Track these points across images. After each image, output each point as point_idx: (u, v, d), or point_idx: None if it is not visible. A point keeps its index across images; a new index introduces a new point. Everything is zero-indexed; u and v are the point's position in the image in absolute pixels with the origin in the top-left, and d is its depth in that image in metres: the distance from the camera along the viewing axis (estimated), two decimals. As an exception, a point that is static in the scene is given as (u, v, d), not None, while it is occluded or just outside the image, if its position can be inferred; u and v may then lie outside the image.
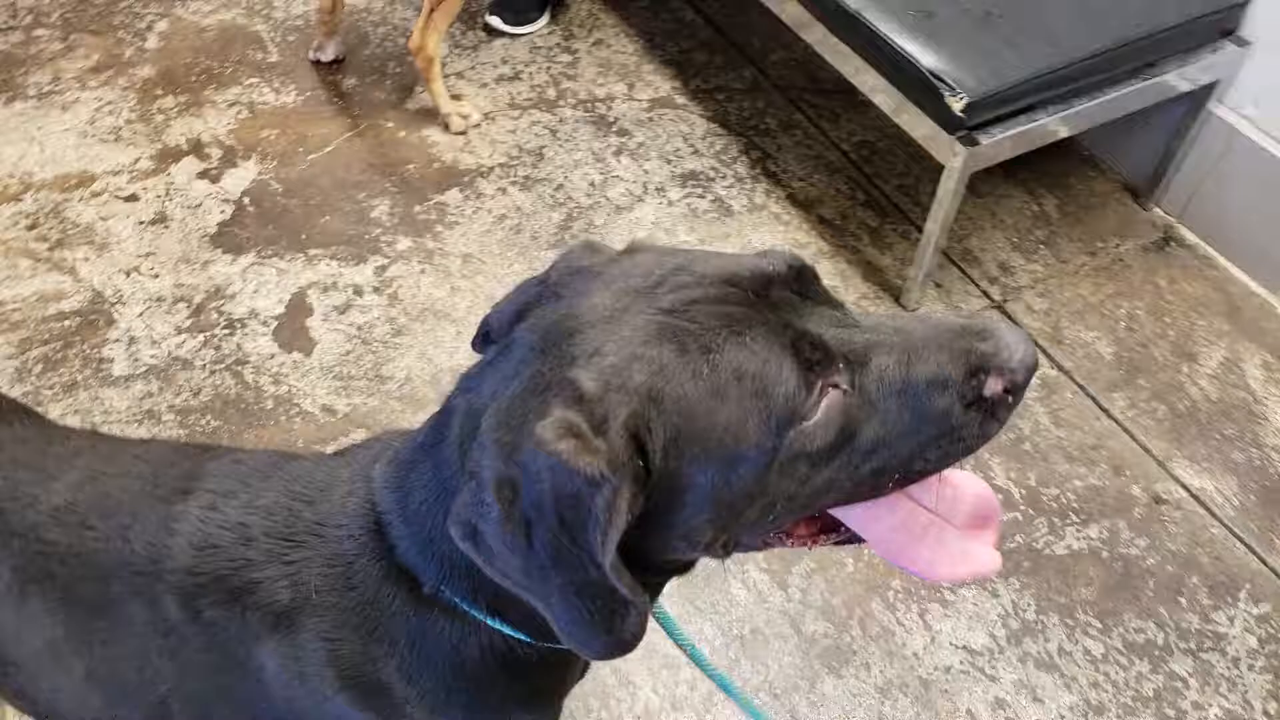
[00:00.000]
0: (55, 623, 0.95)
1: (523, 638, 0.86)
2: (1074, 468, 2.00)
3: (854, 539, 0.81)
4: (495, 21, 2.81)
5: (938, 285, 2.29)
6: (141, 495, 0.96)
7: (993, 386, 0.74)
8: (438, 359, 2.13)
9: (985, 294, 2.30)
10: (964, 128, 1.96)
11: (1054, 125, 2.04)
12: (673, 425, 0.70)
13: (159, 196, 2.40)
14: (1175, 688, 1.73)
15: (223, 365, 2.10)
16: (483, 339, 0.85)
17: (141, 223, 2.35)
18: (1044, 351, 2.19)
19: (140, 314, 2.17)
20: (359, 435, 1.96)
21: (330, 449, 1.92)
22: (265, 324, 2.18)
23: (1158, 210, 2.45)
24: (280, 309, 2.21)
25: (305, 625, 0.87)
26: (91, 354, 2.10)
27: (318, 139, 2.56)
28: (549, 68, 2.75)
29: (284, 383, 2.08)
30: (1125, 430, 2.06)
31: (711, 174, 2.51)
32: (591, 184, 2.48)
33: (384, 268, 2.29)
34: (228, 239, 2.33)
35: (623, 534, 0.69)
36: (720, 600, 1.79)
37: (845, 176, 2.53)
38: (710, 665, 1.07)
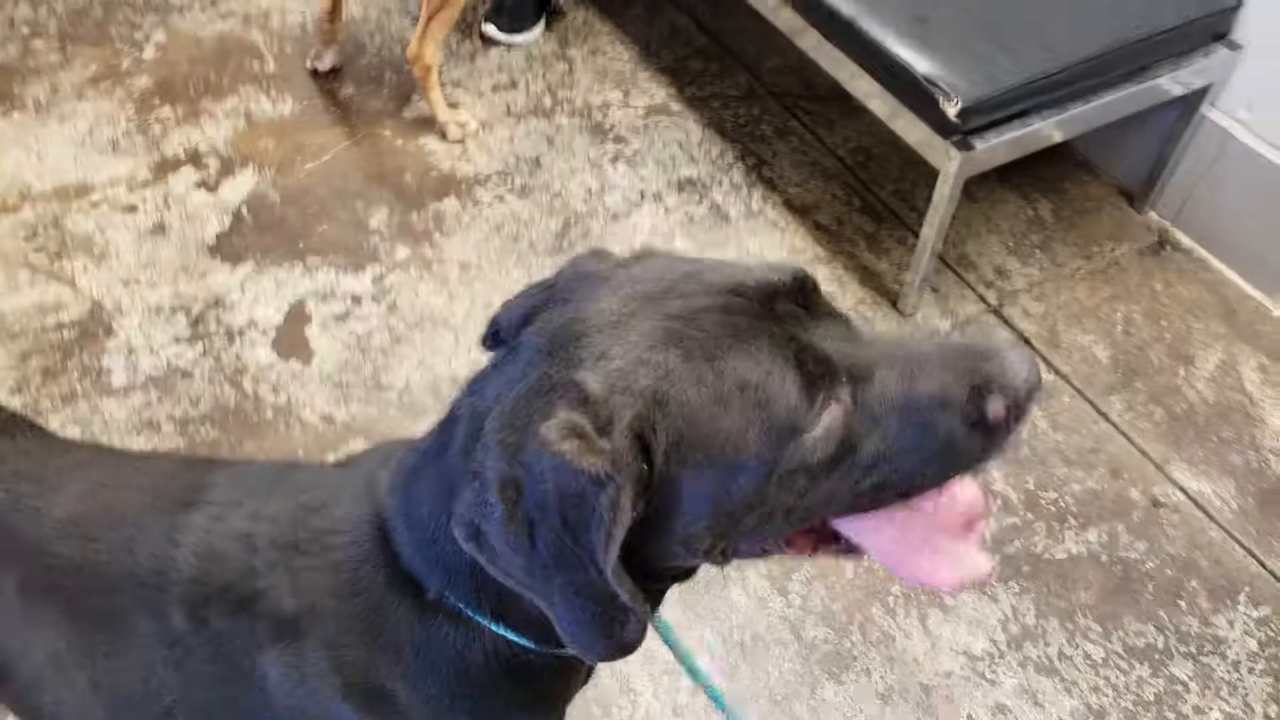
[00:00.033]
0: (60, 635, 0.95)
1: (526, 643, 0.86)
2: (1072, 471, 2.00)
3: (854, 550, 0.82)
4: (491, 30, 2.82)
5: (934, 290, 2.30)
6: (145, 507, 0.96)
7: (995, 407, 0.73)
8: (436, 367, 2.13)
9: (981, 298, 2.31)
10: (959, 133, 1.97)
11: (1048, 130, 2.05)
12: (676, 430, 0.70)
13: (157, 207, 2.41)
14: (1176, 691, 1.73)
15: (222, 375, 2.10)
16: (492, 337, 0.85)
17: (140, 233, 2.35)
18: (1041, 355, 2.20)
19: (139, 324, 2.18)
20: (358, 444, 1.97)
21: (330, 458, 1.93)
22: (264, 333, 2.18)
23: (1152, 214, 2.46)
24: (279, 318, 2.21)
25: (309, 633, 0.87)
26: (91, 364, 2.10)
27: (315, 148, 2.56)
28: (545, 76, 2.76)
29: (283, 392, 2.08)
30: (1123, 433, 2.07)
31: (708, 181, 2.52)
32: (588, 191, 2.49)
33: (382, 276, 2.30)
34: (226, 248, 2.33)
35: (623, 539, 0.70)
36: (720, 606, 1.79)
37: (841, 182, 2.54)
38: (706, 678, 1.08)
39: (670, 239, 2.40)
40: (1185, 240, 2.41)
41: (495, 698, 0.90)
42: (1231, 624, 1.81)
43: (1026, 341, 2.22)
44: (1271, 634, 1.80)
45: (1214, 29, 2.13)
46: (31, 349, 2.12)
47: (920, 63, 1.98)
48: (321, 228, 2.39)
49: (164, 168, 2.49)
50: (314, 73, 2.73)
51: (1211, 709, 1.72)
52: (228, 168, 2.50)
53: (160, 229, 2.36)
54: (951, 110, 1.92)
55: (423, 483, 0.84)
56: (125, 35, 2.81)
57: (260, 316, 2.21)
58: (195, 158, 2.52)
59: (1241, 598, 1.85)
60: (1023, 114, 2.01)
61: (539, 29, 2.86)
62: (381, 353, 2.15)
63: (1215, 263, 2.37)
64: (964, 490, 0.81)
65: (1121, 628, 1.80)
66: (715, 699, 1.09)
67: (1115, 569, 1.87)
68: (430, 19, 2.38)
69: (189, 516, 0.93)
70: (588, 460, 0.67)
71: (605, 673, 1.68)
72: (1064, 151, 2.52)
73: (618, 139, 2.61)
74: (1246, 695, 1.73)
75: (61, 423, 2.00)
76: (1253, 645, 1.79)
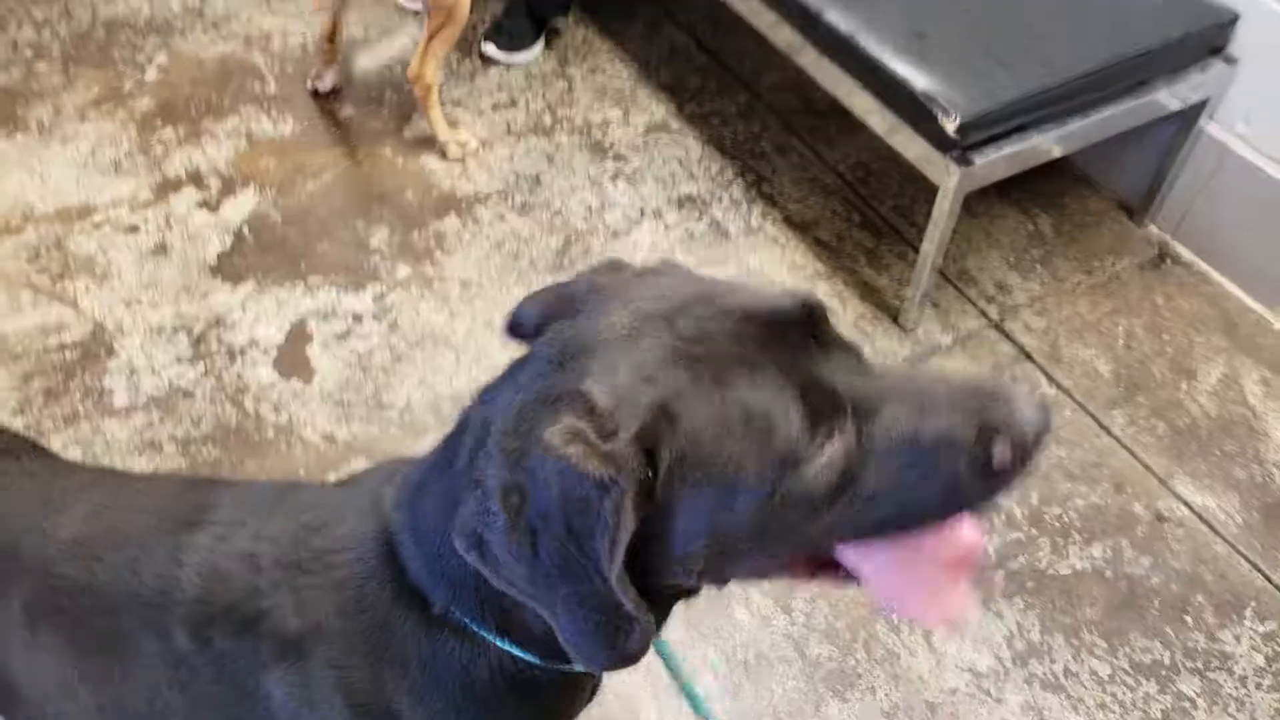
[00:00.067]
0: (65, 656, 0.95)
1: (531, 659, 0.86)
2: (1075, 486, 2.00)
3: (852, 578, 0.81)
4: (490, 49, 2.84)
5: (935, 305, 2.30)
6: (149, 528, 0.96)
7: (1001, 450, 0.72)
8: (438, 385, 2.13)
9: (983, 313, 2.31)
10: (958, 148, 1.98)
11: (1047, 145, 2.06)
12: (679, 447, 0.70)
13: (159, 227, 2.41)
14: (1183, 708, 1.72)
15: (223, 394, 2.10)
16: (513, 328, 0.84)
17: (142, 253, 2.36)
18: (1042, 370, 2.20)
19: (141, 344, 2.18)
20: (360, 463, 1.96)
21: (331, 477, 1.92)
22: (265, 352, 2.18)
23: (1153, 228, 2.47)
24: (280, 337, 2.21)
25: (314, 652, 0.87)
26: (93, 385, 2.10)
27: (316, 168, 2.57)
28: (545, 94, 2.77)
29: (284, 411, 2.08)
30: (1126, 448, 2.06)
31: (707, 197, 2.53)
32: (589, 209, 2.49)
33: (383, 295, 2.30)
34: (227, 268, 2.34)
35: (624, 555, 0.69)
36: (724, 625, 1.79)
37: (841, 198, 2.54)
38: (707, 710, 1.07)
39: (670, 256, 2.40)
40: (1185, 254, 2.42)
41: (500, 713, 0.89)
42: (1238, 639, 1.81)
43: (1028, 356, 2.22)
44: (1278, 649, 1.79)
45: (1211, 43, 2.15)
46: (34, 370, 2.12)
47: (919, 79, 1.99)
48: (322, 247, 2.39)
49: (165, 188, 2.50)
50: (314, 93, 2.75)
51: (1219, 724, 1.71)
52: (229, 188, 2.51)
53: (162, 249, 2.37)
54: (950, 126, 1.93)
55: (429, 496, 0.83)
56: (127, 57, 2.83)
57: (261, 336, 2.21)
58: (197, 178, 2.53)
59: (1248, 613, 1.84)
60: (1021, 129, 2.02)
61: (538, 48, 2.88)
62: (383, 371, 2.15)
63: (1216, 276, 2.37)
64: (964, 531, 0.80)
65: (1127, 644, 1.79)
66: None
67: (1120, 584, 1.87)
68: (431, 38, 2.40)
69: (193, 537, 0.93)
70: (593, 464, 0.67)
71: (610, 692, 1.67)
72: (1063, 166, 2.53)
73: (618, 156, 2.62)
74: (1254, 711, 1.72)
75: (63, 443, 2.00)
76: (1260, 660, 1.78)
